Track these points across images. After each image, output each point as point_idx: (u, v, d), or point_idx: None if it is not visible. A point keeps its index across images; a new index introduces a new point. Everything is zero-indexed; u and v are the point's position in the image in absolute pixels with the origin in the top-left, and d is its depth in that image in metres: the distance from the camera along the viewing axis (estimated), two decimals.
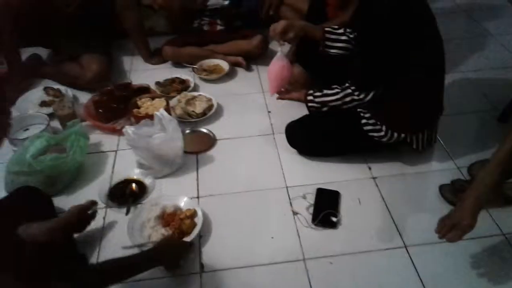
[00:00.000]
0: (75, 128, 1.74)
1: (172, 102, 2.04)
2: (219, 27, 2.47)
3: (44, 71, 2.29)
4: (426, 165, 1.73)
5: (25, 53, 2.39)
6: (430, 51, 1.59)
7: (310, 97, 1.77)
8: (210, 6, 2.42)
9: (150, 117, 1.73)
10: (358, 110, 1.69)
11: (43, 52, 2.45)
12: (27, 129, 1.93)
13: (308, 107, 1.79)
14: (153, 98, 1.91)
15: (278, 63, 1.81)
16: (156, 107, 1.83)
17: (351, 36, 1.78)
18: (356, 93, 1.64)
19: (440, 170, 1.70)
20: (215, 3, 2.42)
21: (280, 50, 1.78)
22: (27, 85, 2.23)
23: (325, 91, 1.73)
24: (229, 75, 2.33)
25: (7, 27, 2.08)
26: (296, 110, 1.90)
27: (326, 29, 1.79)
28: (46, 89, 2.14)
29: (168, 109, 1.84)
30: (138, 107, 1.87)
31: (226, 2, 2.42)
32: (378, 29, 1.55)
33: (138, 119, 1.79)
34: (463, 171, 1.68)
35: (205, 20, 2.48)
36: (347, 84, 1.67)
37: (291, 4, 2.47)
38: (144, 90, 2.06)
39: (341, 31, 1.80)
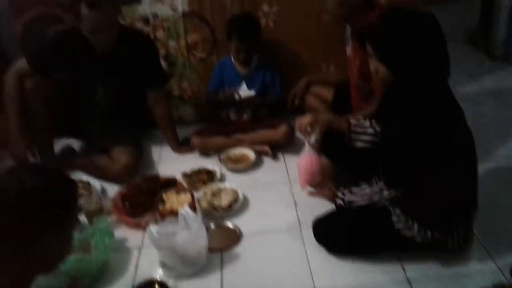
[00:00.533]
0: (101, 225, 1.74)
1: (198, 194, 2.04)
2: (245, 117, 2.52)
3: (76, 163, 2.35)
4: (464, 266, 1.61)
5: (60, 144, 2.49)
6: (460, 145, 1.55)
7: (339, 193, 1.73)
8: (237, 97, 2.48)
9: (176, 213, 1.72)
10: (388, 206, 1.64)
11: (76, 143, 2.53)
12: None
13: (336, 205, 1.75)
14: (178, 192, 1.91)
15: (306, 158, 1.79)
16: (182, 202, 1.83)
17: (378, 129, 1.77)
18: (385, 191, 1.59)
19: (479, 272, 1.58)
20: (241, 93, 2.48)
21: (307, 143, 1.78)
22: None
23: (354, 189, 1.69)
24: (256, 164, 2.33)
25: (38, 112, 2.15)
26: (323, 202, 1.84)
27: (352, 121, 1.79)
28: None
29: (193, 203, 1.83)
30: (164, 202, 1.87)
31: (252, 92, 2.49)
32: (403, 125, 1.53)
33: (164, 215, 1.78)
34: (506, 273, 1.57)
35: (232, 109, 2.53)
36: (374, 181, 1.63)
37: (316, 93, 2.51)
38: (171, 183, 2.07)
39: (367, 123, 1.79)
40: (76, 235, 1.70)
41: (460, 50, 3.56)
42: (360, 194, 1.66)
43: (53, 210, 1.05)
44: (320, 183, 1.88)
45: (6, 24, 2.51)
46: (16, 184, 1.02)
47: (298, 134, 2.38)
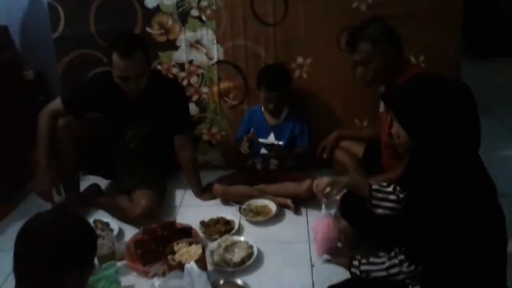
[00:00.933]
0: (108, 272, 1.73)
1: (212, 245, 1.99)
2: (272, 167, 2.48)
3: (100, 201, 2.38)
4: None
5: (87, 181, 2.55)
6: (488, 223, 1.43)
7: (355, 263, 1.63)
8: (265, 145, 2.45)
9: (183, 266, 1.68)
10: (407, 282, 1.52)
11: (104, 182, 2.58)
12: None
13: (350, 273, 1.64)
14: (191, 244, 1.88)
15: (323, 222, 1.73)
16: (191, 255, 1.79)
17: (401, 195, 1.67)
18: (405, 264, 1.48)
19: None
20: (270, 142, 2.46)
21: (324, 207, 1.71)
22: (82, 215, 2.31)
23: (371, 259, 1.59)
24: (277, 217, 2.26)
25: (67, 150, 2.22)
26: (342, 268, 1.75)
27: (374, 186, 1.70)
28: (95, 221, 2.19)
29: (203, 257, 1.79)
30: (174, 253, 1.84)
31: (281, 142, 2.45)
32: (427, 198, 1.43)
33: (171, 268, 1.74)
34: None
35: (259, 158, 2.50)
36: (393, 254, 1.52)
37: (347, 148, 2.44)
38: (186, 232, 2.04)
39: (390, 189, 1.70)
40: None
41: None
42: (378, 265, 1.56)
43: (77, 257, 1.22)
44: (336, 249, 1.79)
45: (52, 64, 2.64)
46: (52, 228, 1.21)
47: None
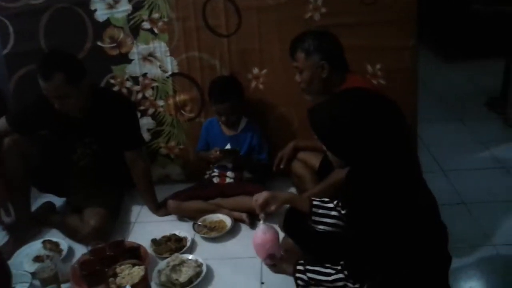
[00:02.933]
0: None
1: (161, 265, 1.95)
2: (228, 180, 2.44)
3: (52, 220, 2.34)
4: None
5: (42, 199, 2.50)
6: (429, 239, 1.40)
7: (300, 268, 1.58)
8: (222, 151, 2.40)
9: None
10: None
11: (58, 200, 2.52)
12: (14, 287, 1.90)
13: (296, 280, 1.59)
14: (134, 265, 1.83)
15: (260, 236, 1.68)
16: (133, 277, 1.74)
17: (343, 212, 1.64)
18: (351, 280, 1.44)
19: None
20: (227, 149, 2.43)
21: (262, 222, 1.67)
22: (34, 234, 2.27)
23: (318, 268, 1.55)
24: (232, 232, 2.22)
25: (15, 168, 2.16)
26: (292, 285, 1.70)
27: (314, 202, 1.67)
28: (44, 241, 2.15)
29: (144, 281, 1.74)
30: (116, 275, 1.79)
31: (237, 149, 2.42)
32: (363, 215, 1.40)
33: None
34: None
35: (215, 172, 2.46)
36: (339, 267, 1.48)
37: (304, 160, 2.40)
38: (133, 251, 2.00)
39: (331, 205, 1.67)
40: None
41: (478, 113, 3.39)
42: (324, 275, 1.51)
43: None
44: (280, 258, 1.75)
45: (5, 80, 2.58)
46: None
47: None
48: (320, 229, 1.64)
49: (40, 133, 2.25)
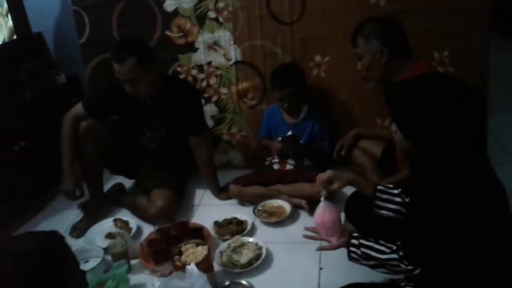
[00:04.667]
0: (118, 271, 1.80)
1: (222, 246, 2.03)
2: (288, 167, 2.47)
3: (122, 200, 2.48)
4: None
5: (113, 180, 2.67)
6: (495, 231, 1.36)
7: (354, 241, 1.57)
8: (283, 139, 2.44)
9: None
10: (401, 283, 1.48)
11: (128, 181, 2.68)
12: (87, 261, 2.05)
13: (349, 252, 1.58)
14: (198, 245, 1.92)
15: (320, 215, 1.69)
16: (197, 256, 1.83)
17: (406, 200, 1.62)
18: (405, 262, 1.43)
19: None
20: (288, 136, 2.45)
21: (323, 199, 1.68)
22: (105, 213, 2.43)
23: (372, 244, 1.53)
24: (291, 217, 2.26)
25: (90, 151, 2.31)
26: (351, 271, 1.70)
27: (379, 187, 1.66)
28: (115, 220, 2.29)
29: (207, 260, 1.82)
30: (181, 253, 1.88)
31: (301, 142, 2.44)
32: (429, 202, 1.39)
33: (177, 268, 1.79)
34: None
35: (276, 158, 2.50)
36: (395, 247, 1.47)
37: (365, 148, 2.38)
38: (197, 231, 2.09)
39: (395, 191, 1.65)
40: (92, 278, 1.79)
41: None
42: (378, 252, 1.50)
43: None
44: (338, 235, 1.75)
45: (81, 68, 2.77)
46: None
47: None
48: (382, 213, 1.64)
49: (113, 118, 2.39)
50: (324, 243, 1.68)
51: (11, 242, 1.21)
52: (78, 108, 2.31)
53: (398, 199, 1.63)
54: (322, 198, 1.68)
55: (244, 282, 1.85)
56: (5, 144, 2.39)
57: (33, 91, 2.60)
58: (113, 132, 2.39)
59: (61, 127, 2.28)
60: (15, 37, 2.60)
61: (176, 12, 2.53)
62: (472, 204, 1.33)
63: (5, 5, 2.54)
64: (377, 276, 1.59)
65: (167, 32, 2.57)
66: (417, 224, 1.44)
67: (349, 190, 1.85)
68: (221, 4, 2.48)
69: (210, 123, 2.67)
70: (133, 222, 2.30)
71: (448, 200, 1.31)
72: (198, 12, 2.52)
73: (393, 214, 1.63)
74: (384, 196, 1.64)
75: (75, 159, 2.30)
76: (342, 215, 1.79)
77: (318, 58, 2.49)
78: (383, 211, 1.64)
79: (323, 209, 1.67)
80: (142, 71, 2.13)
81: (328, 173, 1.68)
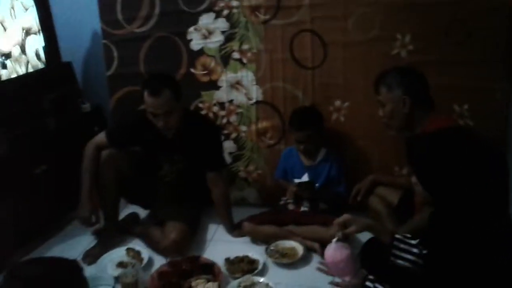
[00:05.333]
0: None
1: (232, 284, 2.02)
2: (303, 208, 2.47)
3: (136, 230, 2.50)
4: None
5: (128, 209, 2.70)
6: None
7: (369, 284, 1.55)
8: (298, 184, 2.46)
9: None
10: None
11: (143, 212, 2.70)
12: None
13: None
14: (208, 281, 1.91)
15: (331, 254, 1.69)
16: None
17: (424, 252, 1.61)
18: None
19: None
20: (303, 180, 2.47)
21: (335, 239, 1.68)
22: (119, 242, 2.44)
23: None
24: (303, 260, 2.24)
25: (109, 180, 2.35)
26: None
27: (397, 236, 1.66)
28: (128, 249, 2.31)
29: None
30: None
31: (317, 185, 2.46)
32: (447, 261, 1.38)
33: None
34: None
35: (291, 200, 2.51)
36: None
37: (382, 195, 2.38)
38: (208, 267, 2.09)
39: (413, 242, 1.64)
40: None
41: None
42: None
43: None
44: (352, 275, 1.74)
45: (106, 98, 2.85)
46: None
47: None
48: (398, 263, 1.63)
49: (134, 149, 2.45)
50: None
51: (24, 266, 1.24)
52: (101, 137, 2.37)
53: (415, 250, 1.62)
54: (334, 240, 1.68)
55: None
56: (27, 166, 2.45)
57: (59, 118, 2.67)
58: (133, 162, 2.44)
59: (83, 155, 2.33)
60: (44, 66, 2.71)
61: (201, 51, 2.63)
62: (491, 262, 1.33)
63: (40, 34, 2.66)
64: None
65: (192, 70, 2.66)
66: (434, 278, 1.43)
67: (364, 237, 1.85)
68: (245, 46, 2.57)
69: (228, 159, 2.71)
70: (145, 252, 2.31)
71: (467, 257, 1.31)
72: (223, 52, 2.61)
73: (410, 265, 1.62)
74: (402, 246, 1.63)
75: (94, 186, 2.34)
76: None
77: (338, 103, 2.54)
78: (399, 261, 1.63)
79: (334, 250, 1.68)
80: (175, 104, 2.21)
81: (346, 216, 1.69)
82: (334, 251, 1.67)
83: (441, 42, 2.32)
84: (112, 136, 2.35)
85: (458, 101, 2.37)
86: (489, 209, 1.37)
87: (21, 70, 2.55)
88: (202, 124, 2.43)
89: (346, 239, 1.73)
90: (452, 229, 1.41)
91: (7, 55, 2.46)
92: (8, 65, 2.46)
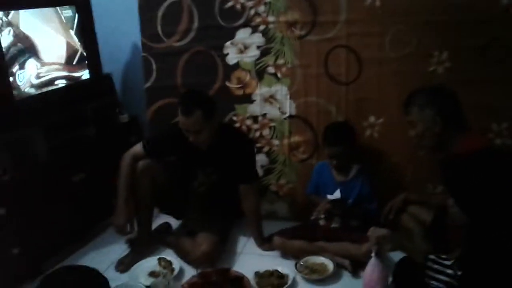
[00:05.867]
0: None
1: None
2: (334, 224, 2.46)
3: (167, 240, 2.54)
4: None
5: (160, 219, 2.75)
6: None
7: None
8: (331, 201, 2.45)
9: None
10: None
11: (175, 222, 2.74)
12: None
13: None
14: None
15: (368, 275, 1.69)
16: None
17: (458, 273, 1.58)
18: None
19: None
20: (335, 198, 2.46)
21: (374, 254, 1.68)
22: (151, 251, 2.48)
23: None
24: (333, 277, 2.22)
25: (145, 190, 2.40)
26: None
27: (430, 256, 1.64)
28: (159, 259, 2.35)
29: None
30: None
31: (350, 201, 2.45)
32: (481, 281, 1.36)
33: None
34: None
35: (322, 216, 2.50)
36: None
37: (414, 214, 2.33)
38: (237, 280, 2.10)
39: (448, 262, 1.62)
40: None
41: None
42: None
43: None
44: None
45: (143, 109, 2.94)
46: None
47: None
48: (432, 284, 1.60)
49: (169, 160, 2.50)
50: None
51: (52, 276, 1.29)
52: (138, 148, 2.43)
53: (450, 271, 1.60)
54: (373, 254, 1.68)
55: None
56: (66, 174, 2.54)
57: (98, 127, 2.77)
58: (167, 173, 2.49)
59: (120, 165, 2.39)
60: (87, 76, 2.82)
61: (237, 65, 2.67)
62: None
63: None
64: None
65: (227, 83, 2.70)
66: None
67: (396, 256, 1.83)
68: (280, 61, 2.60)
69: (259, 172, 2.72)
70: (177, 262, 2.34)
71: (503, 279, 1.28)
72: (258, 66, 2.64)
73: (444, 286, 1.60)
74: (435, 267, 1.62)
75: (130, 196, 2.39)
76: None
77: (372, 119, 2.53)
78: (433, 282, 1.61)
79: (373, 266, 1.69)
80: (206, 123, 2.24)
81: (384, 231, 1.69)
82: (372, 267, 1.68)
83: (479, 59, 2.29)
84: (149, 147, 2.41)
85: (496, 119, 2.33)
86: None
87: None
88: (235, 137, 2.47)
89: (379, 255, 1.73)
90: (488, 251, 1.38)
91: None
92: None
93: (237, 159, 2.38)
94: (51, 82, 2.61)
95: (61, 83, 2.67)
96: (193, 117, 2.21)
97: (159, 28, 2.73)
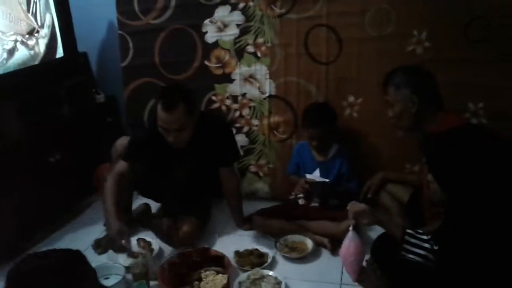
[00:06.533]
0: None
1: (242, 277, 2.03)
2: (313, 203, 2.47)
3: (149, 222, 2.51)
4: None
5: (139, 200, 2.72)
6: None
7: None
8: (309, 182, 2.46)
9: None
10: None
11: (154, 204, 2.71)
12: (108, 278, 2.08)
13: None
14: (218, 273, 1.93)
15: (345, 248, 1.71)
16: (216, 284, 1.84)
17: (435, 247, 1.61)
18: None
19: None
20: (314, 179, 2.47)
21: (351, 228, 1.71)
22: (130, 232, 2.43)
23: None
24: (312, 255, 2.25)
25: (126, 188, 2.36)
26: None
27: (408, 230, 1.66)
28: (138, 239, 2.32)
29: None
30: (201, 280, 1.90)
31: (327, 180, 2.46)
32: (458, 255, 1.38)
33: None
34: None
35: (301, 195, 2.51)
36: None
37: (393, 192, 2.37)
38: (218, 260, 2.10)
39: (425, 237, 1.64)
40: None
41: None
42: None
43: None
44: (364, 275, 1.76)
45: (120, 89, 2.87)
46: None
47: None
48: (409, 257, 1.63)
49: (145, 161, 2.39)
50: None
51: (32, 258, 1.26)
52: (120, 164, 2.30)
53: (427, 245, 1.62)
54: (350, 228, 1.70)
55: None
56: (42, 155, 2.49)
57: (73, 107, 2.70)
58: (145, 165, 2.39)
59: (104, 186, 2.26)
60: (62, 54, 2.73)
61: (216, 44, 2.63)
62: (505, 260, 1.33)
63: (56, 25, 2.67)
64: None
65: (206, 62, 2.66)
66: (445, 274, 1.43)
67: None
68: (260, 40, 2.57)
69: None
70: (156, 243, 2.33)
71: (481, 254, 1.31)
72: (237, 45, 2.61)
73: (420, 260, 1.62)
74: (413, 241, 1.64)
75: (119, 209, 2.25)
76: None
77: (351, 98, 2.53)
78: (410, 255, 1.63)
79: (349, 240, 1.70)
80: (188, 120, 2.16)
81: (362, 206, 1.71)
82: (348, 242, 1.69)
83: (459, 39, 2.30)
84: (129, 157, 2.29)
85: (473, 99, 2.35)
86: (505, 207, 1.37)
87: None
88: (212, 125, 2.37)
89: (357, 230, 1.75)
90: (466, 226, 1.41)
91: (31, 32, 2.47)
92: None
93: (216, 146, 2.34)
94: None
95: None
96: (176, 112, 2.11)
97: (135, 5, 2.66)
